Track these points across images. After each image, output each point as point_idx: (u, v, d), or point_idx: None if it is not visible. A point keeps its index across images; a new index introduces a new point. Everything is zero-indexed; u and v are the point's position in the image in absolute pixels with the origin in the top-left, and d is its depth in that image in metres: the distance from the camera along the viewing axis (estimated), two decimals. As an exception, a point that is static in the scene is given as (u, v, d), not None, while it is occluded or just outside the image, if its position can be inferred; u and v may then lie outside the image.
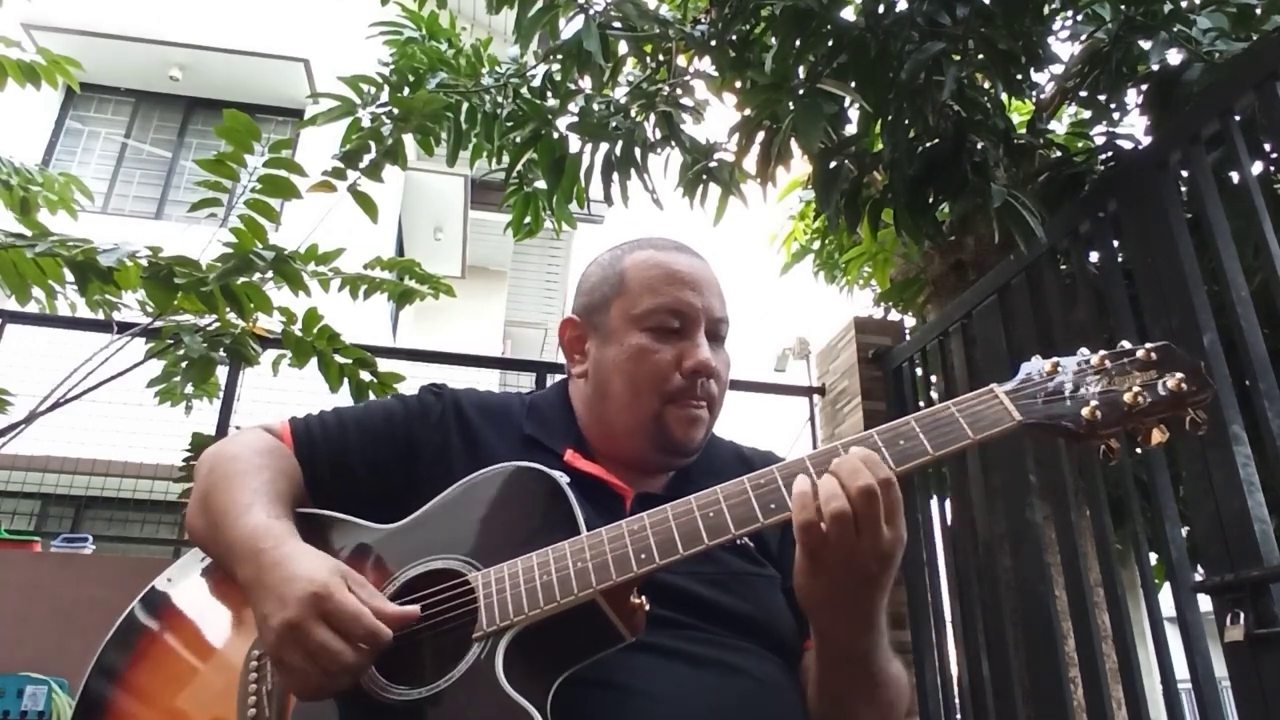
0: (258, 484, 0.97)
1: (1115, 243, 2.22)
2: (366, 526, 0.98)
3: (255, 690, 0.88)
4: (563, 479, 0.92)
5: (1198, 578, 1.86)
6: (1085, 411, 0.82)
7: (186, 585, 1.01)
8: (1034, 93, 2.85)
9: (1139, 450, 2.31)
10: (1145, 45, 2.30)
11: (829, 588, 0.82)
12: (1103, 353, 0.85)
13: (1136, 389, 0.81)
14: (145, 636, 0.98)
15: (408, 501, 0.97)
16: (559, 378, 1.23)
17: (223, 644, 0.95)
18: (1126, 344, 0.85)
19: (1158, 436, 0.82)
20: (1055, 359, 0.86)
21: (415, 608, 0.86)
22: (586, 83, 2.74)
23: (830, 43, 2.14)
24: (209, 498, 0.98)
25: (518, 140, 2.79)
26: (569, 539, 0.86)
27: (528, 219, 3.11)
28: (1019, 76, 2.16)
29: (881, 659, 0.90)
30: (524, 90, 2.85)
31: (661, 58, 2.70)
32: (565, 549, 0.85)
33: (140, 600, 1.01)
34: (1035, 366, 0.87)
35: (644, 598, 0.86)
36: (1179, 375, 0.80)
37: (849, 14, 2.25)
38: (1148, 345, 0.84)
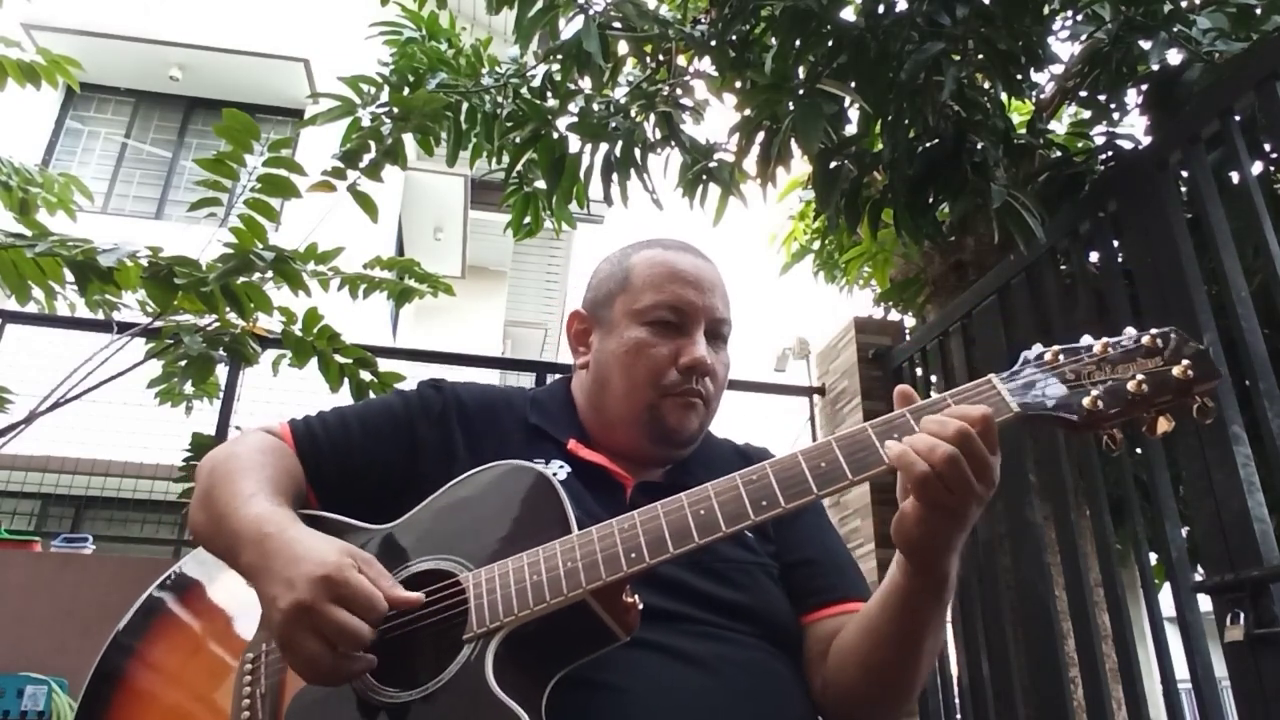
0: (261, 477, 0.97)
1: (1115, 243, 2.21)
2: (359, 527, 0.98)
3: (250, 692, 0.88)
4: (555, 478, 0.91)
5: (1198, 578, 1.86)
6: (1086, 401, 0.79)
7: (182, 591, 1.01)
8: (1034, 93, 2.84)
9: (1140, 446, 2.31)
10: (1145, 45, 2.30)
11: (950, 517, 0.80)
12: (1105, 340, 0.82)
13: (1140, 377, 0.78)
14: (143, 642, 0.98)
15: (411, 497, 0.97)
16: (558, 378, 1.25)
17: (219, 647, 0.95)
18: (1132, 330, 0.82)
19: (1163, 425, 0.78)
20: (1056, 347, 0.84)
21: (419, 594, 0.85)
22: (586, 83, 2.74)
23: (830, 43, 2.14)
24: (211, 493, 0.98)
25: (518, 140, 2.79)
26: (560, 538, 0.86)
27: (528, 219, 3.11)
28: (1019, 76, 2.16)
29: (949, 594, 0.89)
30: (524, 90, 2.84)
31: (661, 58, 2.70)
32: (556, 548, 0.85)
33: (137, 607, 1.01)
34: (1035, 354, 0.84)
35: (637, 596, 0.85)
36: (1185, 362, 0.77)
37: (849, 14, 2.25)
38: (1153, 331, 0.81)
